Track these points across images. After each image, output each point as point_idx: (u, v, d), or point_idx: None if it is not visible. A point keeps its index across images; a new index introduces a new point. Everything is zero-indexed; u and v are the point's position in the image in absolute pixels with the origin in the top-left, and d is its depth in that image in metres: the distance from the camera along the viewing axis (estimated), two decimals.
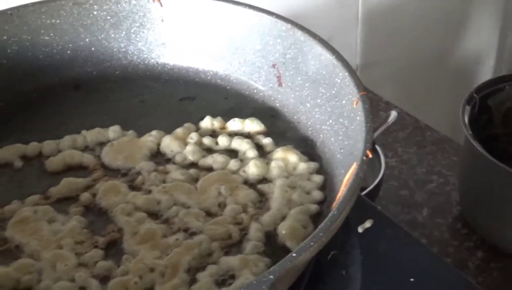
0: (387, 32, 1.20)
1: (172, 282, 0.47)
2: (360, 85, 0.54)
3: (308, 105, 0.62)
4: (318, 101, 0.61)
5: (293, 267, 0.40)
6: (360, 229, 0.60)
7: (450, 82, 1.24)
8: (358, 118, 0.52)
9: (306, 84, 0.62)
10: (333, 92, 0.58)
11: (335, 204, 0.51)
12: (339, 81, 0.57)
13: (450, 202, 1.02)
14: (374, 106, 1.20)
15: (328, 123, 0.59)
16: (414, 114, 1.20)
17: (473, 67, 1.26)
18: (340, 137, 0.56)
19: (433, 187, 1.07)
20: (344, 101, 0.56)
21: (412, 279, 0.55)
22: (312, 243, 0.41)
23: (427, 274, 0.56)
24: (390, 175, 1.08)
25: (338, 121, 0.57)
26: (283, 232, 0.51)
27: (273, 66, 0.65)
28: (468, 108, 0.95)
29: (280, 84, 0.65)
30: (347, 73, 0.55)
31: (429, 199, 1.03)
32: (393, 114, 1.01)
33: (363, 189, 0.87)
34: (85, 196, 0.56)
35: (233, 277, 0.49)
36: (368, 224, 0.60)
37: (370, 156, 0.48)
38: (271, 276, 0.39)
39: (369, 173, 1.00)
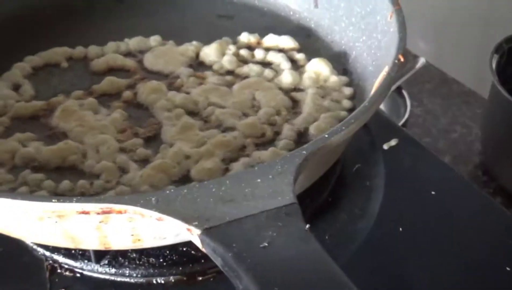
0: None
1: (208, 166, 0.51)
2: (395, 0, 0.56)
3: (343, 24, 0.64)
4: (353, 19, 0.63)
5: (325, 147, 0.43)
6: (385, 146, 0.62)
7: (479, 38, 1.25)
8: (391, 29, 0.54)
9: (342, 4, 0.65)
10: (368, 9, 0.60)
11: None
12: None
13: (472, 151, 1.04)
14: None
15: (361, 40, 0.61)
16: (441, 68, 1.22)
17: (504, 22, 1.27)
18: (372, 51, 0.59)
19: (456, 136, 1.09)
20: (378, 17, 0.58)
21: (433, 193, 0.58)
22: (343, 127, 0.44)
23: (447, 189, 0.58)
24: (414, 123, 1.10)
25: (372, 36, 0.59)
26: (314, 132, 0.54)
27: None
28: (496, 56, 0.96)
29: (316, 5, 0.68)
30: None
31: (451, 147, 1.05)
32: (421, 60, 1.02)
33: None
34: (126, 94, 0.59)
35: None
36: (393, 142, 0.63)
37: (402, 60, 0.50)
38: (304, 152, 0.42)
39: (394, 115, 1.03)
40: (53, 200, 0.38)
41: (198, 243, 0.36)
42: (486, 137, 1.02)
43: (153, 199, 0.38)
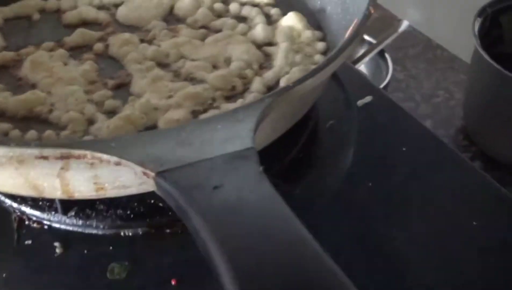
0: None
1: (175, 117, 0.50)
2: None
3: None
4: None
5: (289, 95, 0.43)
6: (359, 103, 0.62)
7: (464, 3, 1.24)
8: None
9: None
10: None
11: None
12: None
13: (454, 115, 1.05)
14: (388, 22, 1.21)
15: None
16: (427, 34, 1.21)
17: None
18: (346, 6, 0.58)
19: (439, 101, 1.09)
20: None
21: (404, 149, 0.58)
22: (309, 76, 0.43)
23: (418, 146, 0.58)
24: (397, 87, 1.10)
25: None
26: (284, 85, 0.54)
27: None
28: (479, 20, 0.96)
29: None
30: None
31: (433, 111, 1.05)
32: (405, 23, 1.02)
33: None
34: (98, 46, 0.59)
35: None
36: (367, 99, 0.62)
37: (373, 12, 0.50)
38: (267, 99, 0.41)
39: (376, 78, 1.02)
40: (11, 144, 0.38)
41: (154, 187, 0.36)
42: (469, 101, 1.02)
43: (112, 143, 0.38)
